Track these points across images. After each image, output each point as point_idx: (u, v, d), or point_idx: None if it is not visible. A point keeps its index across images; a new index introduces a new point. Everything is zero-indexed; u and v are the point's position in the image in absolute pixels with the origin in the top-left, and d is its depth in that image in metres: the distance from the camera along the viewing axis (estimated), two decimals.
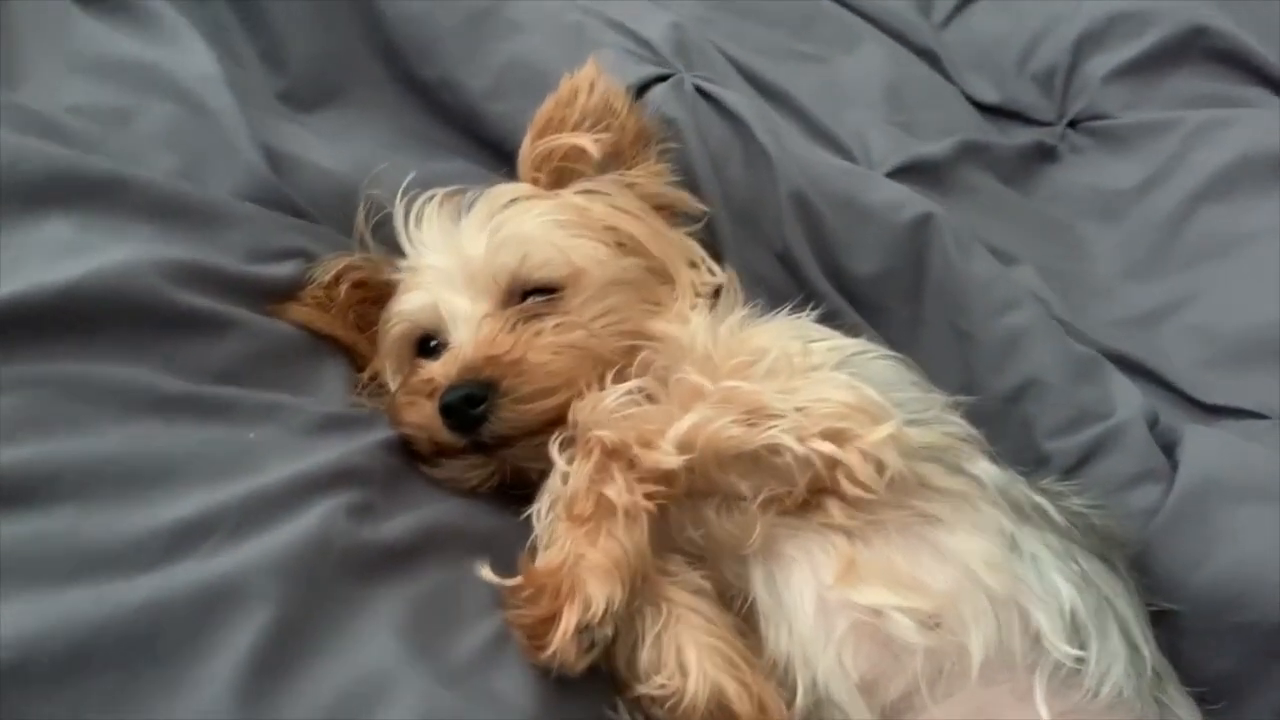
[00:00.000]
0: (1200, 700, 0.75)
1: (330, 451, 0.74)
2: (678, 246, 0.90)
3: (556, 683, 0.67)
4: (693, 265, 0.89)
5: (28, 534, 0.61)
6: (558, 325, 0.80)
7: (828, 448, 0.70)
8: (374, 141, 1.10)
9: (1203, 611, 0.80)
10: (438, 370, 0.80)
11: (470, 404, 0.76)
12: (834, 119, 1.22)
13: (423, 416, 0.79)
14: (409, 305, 0.86)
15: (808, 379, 0.74)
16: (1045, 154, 1.35)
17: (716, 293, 0.89)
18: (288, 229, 0.91)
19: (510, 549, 0.74)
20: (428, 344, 0.86)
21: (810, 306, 0.86)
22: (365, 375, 0.87)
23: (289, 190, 0.93)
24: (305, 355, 0.84)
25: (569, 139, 0.88)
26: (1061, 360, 0.97)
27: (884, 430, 0.70)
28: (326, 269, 0.87)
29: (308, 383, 0.82)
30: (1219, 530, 0.82)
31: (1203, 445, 0.90)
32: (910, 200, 1.03)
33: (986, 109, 1.39)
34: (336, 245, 0.93)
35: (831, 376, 0.75)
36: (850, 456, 0.70)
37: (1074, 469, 0.92)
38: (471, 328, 0.81)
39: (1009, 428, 0.95)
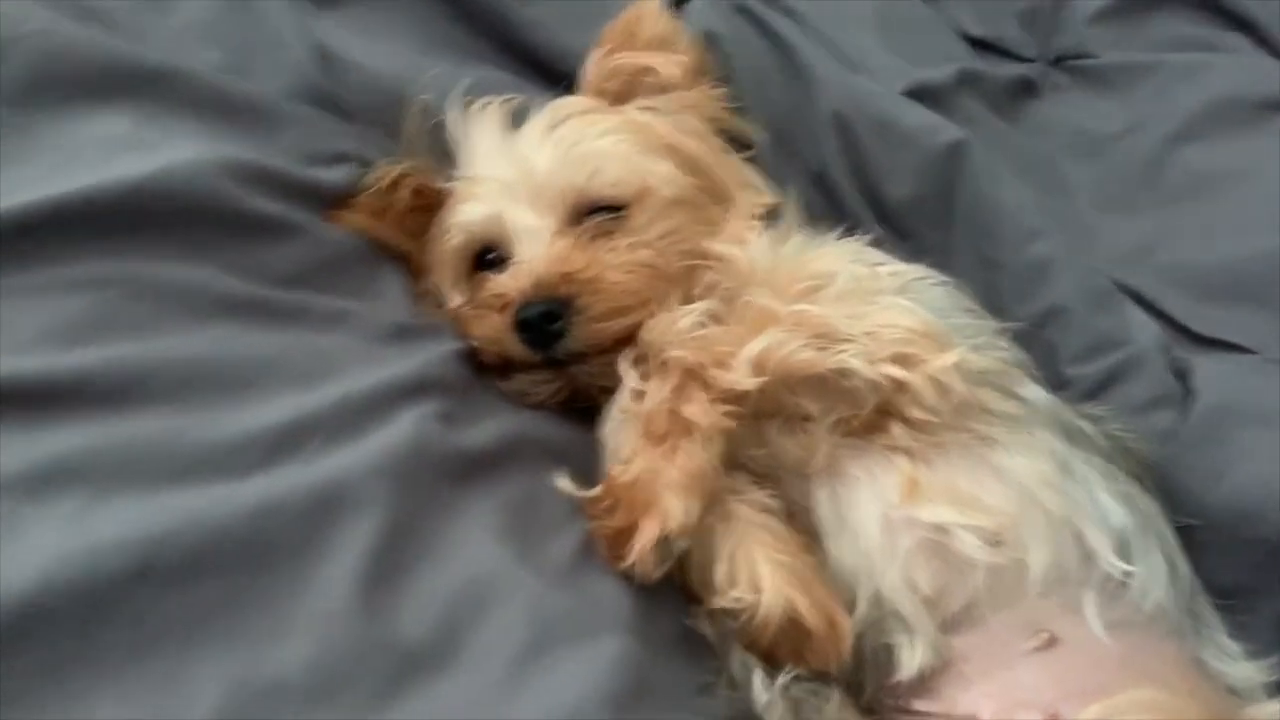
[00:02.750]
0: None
1: (409, 360, 0.74)
2: (733, 169, 0.90)
3: (642, 589, 0.69)
4: (745, 188, 0.90)
5: (128, 434, 0.61)
6: (630, 244, 0.80)
7: (897, 371, 0.71)
8: (403, 45, 1.06)
9: (1218, 526, 0.84)
10: (509, 285, 0.80)
11: (548, 320, 0.77)
12: (842, 41, 1.21)
13: (493, 330, 0.79)
14: (469, 216, 0.85)
15: (874, 304, 0.75)
16: (1028, 89, 1.34)
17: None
18: (336, 133, 0.89)
19: (579, 460, 0.76)
20: (485, 256, 0.86)
21: (859, 230, 0.88)
22: (426, 285, 0.86)
23: (339, 91, 0.91)
24: (364, 262, 0.83)
25: (645, 58, 0.87)
26: (1083, 289, 1.00)
27: (950, 356, 0.72)
28: (383, 174, 0.86)
29: (367, 290, 0.81)
30: (1235, 451, 0.86)
31: (1216, 373, 0.94)
32: (943, 126, 1.04)
33: (972, 42, 1.38)
34: (382, 150, 0.90)
35: (896, 302, 0.76)
36: (917, 380, 0.71)
37: (1093, 394, 0.95)
38: (541, 243, 0.80)
39: (1032, 353, 0.96)
